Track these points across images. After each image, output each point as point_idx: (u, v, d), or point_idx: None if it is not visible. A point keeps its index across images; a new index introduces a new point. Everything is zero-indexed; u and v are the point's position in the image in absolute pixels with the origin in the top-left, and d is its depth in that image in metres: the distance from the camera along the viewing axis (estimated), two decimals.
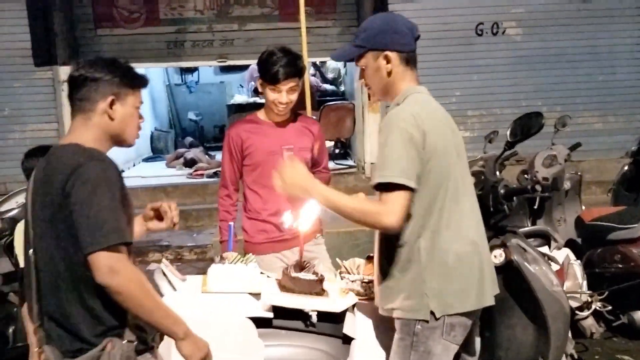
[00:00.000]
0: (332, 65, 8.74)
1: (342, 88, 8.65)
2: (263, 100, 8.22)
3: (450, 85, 6.44)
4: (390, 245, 1.94)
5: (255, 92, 8.06)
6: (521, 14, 6.36)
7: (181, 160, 7.79)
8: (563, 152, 4.23)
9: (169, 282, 2.31)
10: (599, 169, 6.25)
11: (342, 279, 2.40)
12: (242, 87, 10.33)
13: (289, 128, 2.92)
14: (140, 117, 1.88)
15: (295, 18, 6.28)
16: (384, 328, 2.18)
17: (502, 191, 2.32)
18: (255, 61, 7.93)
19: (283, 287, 2.33)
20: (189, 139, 9.07)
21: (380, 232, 2.00)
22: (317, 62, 8.50)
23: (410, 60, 1.98)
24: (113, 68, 1.79)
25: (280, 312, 2.19)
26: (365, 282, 2.35)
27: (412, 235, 1.88)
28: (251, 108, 7.39)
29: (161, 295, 2.26)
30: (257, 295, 2.27)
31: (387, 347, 2.11)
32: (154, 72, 10.02)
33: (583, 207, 4.39)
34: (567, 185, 4.33)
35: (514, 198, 2.40)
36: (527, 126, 2.65)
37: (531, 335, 2.45)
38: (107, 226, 1.60)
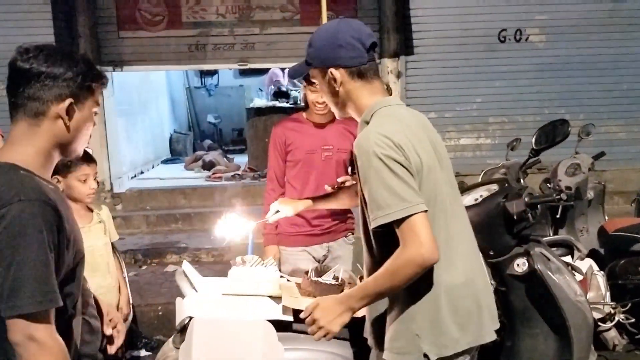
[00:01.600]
0: None
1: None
2: (282, 104, 8.20)
3: (472, 92, 6.39)
4: None
5: (275, 96, 8.07)
6: (545, 20, 6.29)
7: (200, 162, 7.83)
8: (587, 161, 4.16)
9: (190, 283, 2.31)
10: (622, 179, 6.15)
11: None
12: (262, 90, 10.34)
13: (330, 129, 3.03)
14: (94, 123, 1.59)
15: (316, 22, 6.29)
16: None
17: (526, 199, 2.28)
18: (276, 65, 7.88)
19: (304, 291, 2.33)
20: (207, 142, 9.12)
21: (368, 263, 1.81)
22: None
23: (364, 74, 1.75)
24: (73, 63, 1.47)
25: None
26: None
27: None
28: (270, 112, 7.42)
29: (182, 296, 2.27)
30: (277, 299, 2.27)
31: None
32: (175, 74, 10.11)
33: (606, 218, 4.32)
34: (590, 194, 4.26)
35: (538, 207, 2.35)
36: (552, 134, 2.61)
37: (553, 345, 2.41)
38: (27, 288, 1.31)
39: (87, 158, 2.65)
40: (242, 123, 10.44)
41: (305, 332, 2.21)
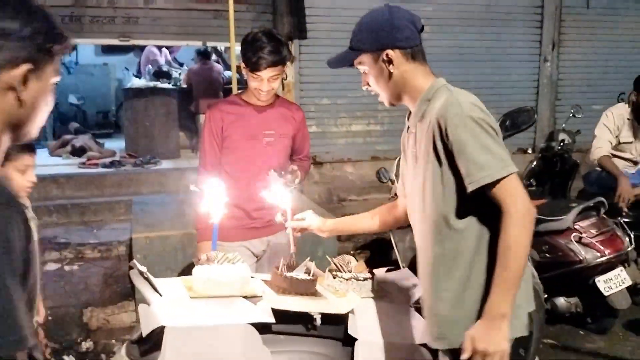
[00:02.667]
0: (237, 52, 8.38)
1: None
2: (164, 85, 7.69)
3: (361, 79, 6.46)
4: (462, 254, 1.71)
5: (156, 75, 7.53)
6: (429, 12, 6.53)
7: (68, 148, 7.06)
8: None
9: (153, 287, 2.02)
10: None
11: (334, 277, 2.26)
12: (128, 70, 9.64)
13: (271, 112, 2.82)
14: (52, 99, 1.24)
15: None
16: (385, 326, 2.10)
17: None
18: (162, 42, 7.35)
19: (277, 288, 2.15)
20: (74, 125, 8.25)
21: (438, 249, 1.75)
22: (220, 48, 8.12)
23: (416, 56, 1.78)
24: (31, 17, 1.10)
25: (277, 316, 2.01)
26: (360, 280, 2.24)
27: (482, 237, 1.67)
28: (151, 93, 6.92)
29: (148, 303, 1.97)
30: (251, 299, 2.07)
31: (389, 346, 2.03)
32: None
33: None
34: None
35: None
36: (517, 120, 2.68)
37: None
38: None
39: (30, 147, 2.39)
40: (108, 104, 9.66)
41: (286, 333, 2.06)
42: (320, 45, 6.27)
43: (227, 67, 8.03)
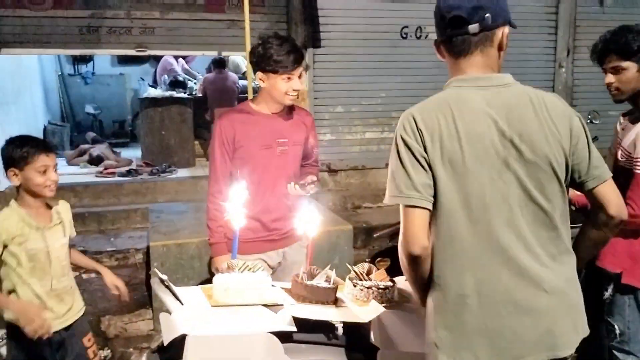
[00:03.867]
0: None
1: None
2: (179, 95, 7.72)
3: (376, 87, 6.47)
4: None
5: (172, 85, 7.58)
6: None
7: (86, 157, 7.13)
8: None
9: (174, 295, 2.03)
10: None
11: (354, 285, 2.26)
12: (144, 80, 9.72)
13: (283, 120, 2.77)
14: None
15: (222, 9, 6.00)
16: (407, 336, 2.09)
17: None
18: (178, 52, 7.35)
19: (297, 296, 2.15)
20: (91, 134, 8.33)
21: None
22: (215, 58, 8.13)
23: (448, 49, 1.68)
24: None
25: (298, 324, 2.01)
26: (380, 289, 2.24)
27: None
28: (167, 102, 6.98)
29: (169, 312, 1.98)
30: (272, 307, 2.08)
31: (411, 356, 2.02)
32: (47, 60, 9.17)
33: None
34: None
35: None
36: None
37: None
38: None
39: (46, 147, 2.45)
40: (123, 114, 9.74)
41: (307, 342, 2.06)
42: (334, 53, 6.29)
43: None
